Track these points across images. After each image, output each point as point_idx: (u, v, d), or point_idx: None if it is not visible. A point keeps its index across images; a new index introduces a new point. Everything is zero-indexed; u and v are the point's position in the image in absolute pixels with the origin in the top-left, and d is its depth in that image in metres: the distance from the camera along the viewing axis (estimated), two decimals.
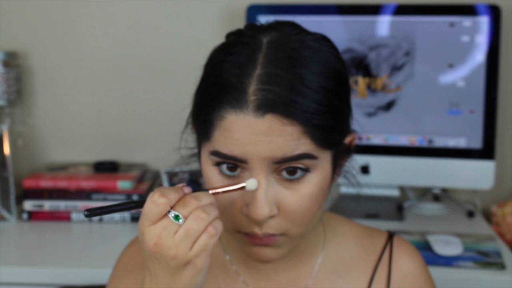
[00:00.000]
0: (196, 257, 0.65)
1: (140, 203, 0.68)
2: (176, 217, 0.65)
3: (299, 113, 0.68)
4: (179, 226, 0.65)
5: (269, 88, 0.68)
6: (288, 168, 0.71)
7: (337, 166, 0.77)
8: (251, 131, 0.68)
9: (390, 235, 0.90)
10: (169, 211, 0.65)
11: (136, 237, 0.88)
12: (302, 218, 0.73)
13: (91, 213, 0.66)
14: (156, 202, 0.65)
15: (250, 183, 0.70)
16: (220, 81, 0.71)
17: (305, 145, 0.69)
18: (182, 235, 0.65)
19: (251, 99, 0.68)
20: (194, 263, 0.65)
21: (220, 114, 0.70)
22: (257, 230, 0.72)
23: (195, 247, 0.65)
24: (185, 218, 0.65)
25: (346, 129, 0.76)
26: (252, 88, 0.69)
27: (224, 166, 0.72)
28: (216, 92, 0.71)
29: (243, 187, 0.70)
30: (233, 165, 0.71)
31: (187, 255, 0.65)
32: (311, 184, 0.72)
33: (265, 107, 0.68)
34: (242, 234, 0.74)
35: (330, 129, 0.71)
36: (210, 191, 0.70)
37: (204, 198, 0.67)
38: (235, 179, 0.72)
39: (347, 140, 0.78)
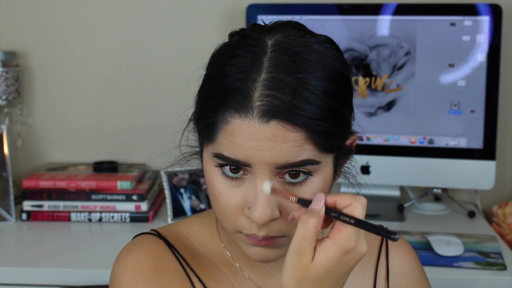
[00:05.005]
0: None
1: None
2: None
3: (303, 120, 0.68)
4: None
5: (274, 94, 0.68)
6: (291, 171, 0.71)
7: (337, 167, 0.78)
8: (255, 136, 0.69)
9: None
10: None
11: (129, 245, 0.85)
12: None
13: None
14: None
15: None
16: (224, 85, 0.71)
17: (308, 151, 0.70)
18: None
19: (256, 104, 0.68)
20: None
21: (224, 117, 0.70)
22: (257, 232, 0.72)
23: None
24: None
25: (348, 131, 0.77)
26: (257, 94, 0.69)
27: (227, 168, 0.72)
28: (220, 96, 0.71)
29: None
30: (236, 167, 0.72)
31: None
32: (313, 187, 0.72)
33: (270, 113, 0.68)
34: (243, 235, 0.74)
35: (333, 134, 0.71)
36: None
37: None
38: (238, 181, 0.72)
39: (348, 142, 0.78)
